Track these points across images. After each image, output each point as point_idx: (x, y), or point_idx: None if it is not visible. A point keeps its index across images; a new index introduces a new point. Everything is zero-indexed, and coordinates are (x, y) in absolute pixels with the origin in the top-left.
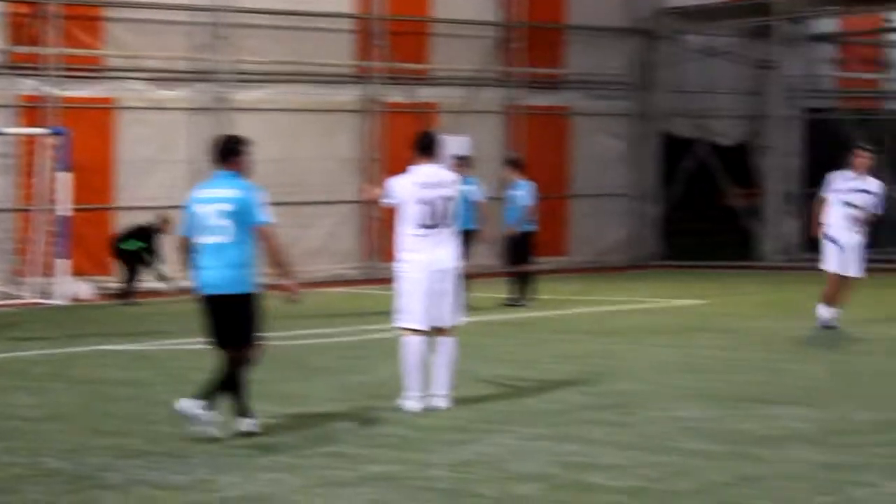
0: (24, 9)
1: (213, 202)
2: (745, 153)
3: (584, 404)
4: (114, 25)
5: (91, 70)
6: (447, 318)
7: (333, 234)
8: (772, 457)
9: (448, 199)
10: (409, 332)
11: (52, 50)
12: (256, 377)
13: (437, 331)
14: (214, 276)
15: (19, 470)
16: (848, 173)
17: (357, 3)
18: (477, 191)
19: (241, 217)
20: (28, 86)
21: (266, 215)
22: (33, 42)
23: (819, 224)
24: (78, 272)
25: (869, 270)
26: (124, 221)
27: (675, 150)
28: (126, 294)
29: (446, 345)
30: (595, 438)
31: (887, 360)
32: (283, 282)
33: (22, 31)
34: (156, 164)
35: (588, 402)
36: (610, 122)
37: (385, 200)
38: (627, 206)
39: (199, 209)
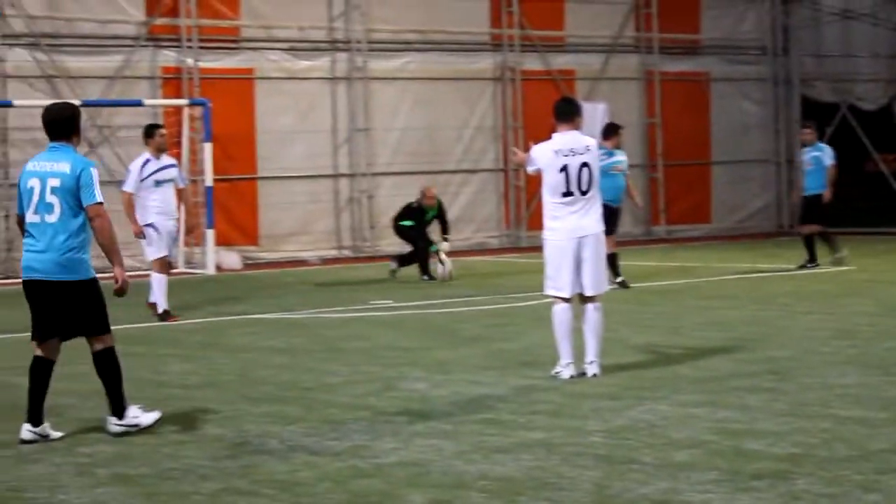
0: None
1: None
2: (889, 117)
3: (735, 371)
4: None
5: (229, 41)
6: (593, 285)
7: (474, 202)
8: None
9: (588, 165)
10: (557, 300)
11: (189, 21)
12: (408, 345)
13: (583, 298)
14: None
15: (179, 436)
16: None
17: None
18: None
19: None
20: (168, 57)
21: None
22: (172, 14)
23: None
24: (223, 242)
25: None
26: (268, 191)
27: (816, 115)
28: (403, 263)
29: (593, 312)
30: (750, 405)
31: None
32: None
33: (160, 3)
34: (297, 133)
35: (740, 370)
36: (749, 88)
37: (529, 168)
38: (769, 172)
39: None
